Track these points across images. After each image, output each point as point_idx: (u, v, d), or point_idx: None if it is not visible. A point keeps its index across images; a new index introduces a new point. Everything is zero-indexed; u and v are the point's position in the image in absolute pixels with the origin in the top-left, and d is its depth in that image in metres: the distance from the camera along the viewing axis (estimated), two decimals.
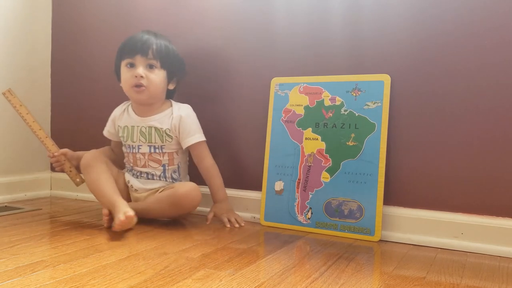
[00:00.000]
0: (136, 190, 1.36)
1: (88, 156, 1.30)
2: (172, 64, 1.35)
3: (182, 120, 1.33)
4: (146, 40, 1.30)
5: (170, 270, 0.89)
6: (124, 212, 1.14)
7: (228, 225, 1.30)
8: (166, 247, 1.07)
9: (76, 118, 1.73)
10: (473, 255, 1.10)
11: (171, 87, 1.38)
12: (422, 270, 0.97)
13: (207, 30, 1.48)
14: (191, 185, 1.28)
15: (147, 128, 1.33)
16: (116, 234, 1.17)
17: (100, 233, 1.18)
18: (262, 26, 1.40)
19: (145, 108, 1.35)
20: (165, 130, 1.33)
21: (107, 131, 1.45)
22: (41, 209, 1.48)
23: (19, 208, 1.48)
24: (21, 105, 1.28)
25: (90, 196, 1.43)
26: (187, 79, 1.46)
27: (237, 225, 1.30)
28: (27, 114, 1.29)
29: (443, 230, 1.17)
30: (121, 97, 1.44)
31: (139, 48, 1.29)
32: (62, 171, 1.41)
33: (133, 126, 1.35)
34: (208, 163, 1.36)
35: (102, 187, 1.25)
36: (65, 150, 1.40)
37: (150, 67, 1.30)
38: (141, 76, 1.28)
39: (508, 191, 1.12)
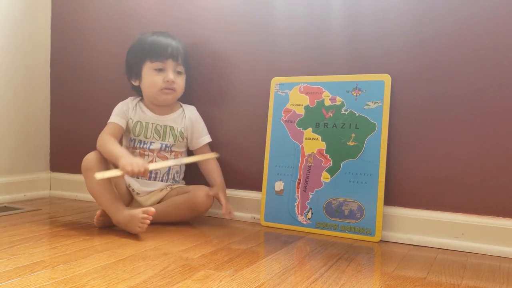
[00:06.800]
0: (138, 193, 1.35)
1: (90, 159, 1.25)
2: (189, 68, 1.43)
3: (194, 122, 1.39)
4: (175, 46, 1.35)
5: (169, 271, 0.89)
6: (143, 210, 1.15)
7: (224, 212, 1.29)
8: (166, 247, 1.07)
9: (76, 118, 1.72)
10: (473, 256, 1.10)
11: None
12: (423, 270, 0.97)
13: (207, 31, 1.48)
14: (207, 190, 1.31)
15: (163, 127, 1.36)
16: (115, 234, 1.17)
17: (99, 233, 1.18)
18: (262, 26, 1.40)
19: (161, 108, 1.38)
20: (180, 130, 1.37)
21: (117, 118, 1.36)
22: (40, 209, 1.48)
23: (19, 209, 1.47)
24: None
25: (89, 196, 1.42)
26: (187, 79, 1.46)
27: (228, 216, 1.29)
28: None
29: (443, 231, 1.16)
30: (121, 97, 1.44)
31: (169, 54, 1.33)
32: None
33: (148, 123, 1.37)
34: (214, 160, 1.39)
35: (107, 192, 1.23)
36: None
37: (179, 73, 1.37)
38: (173, 81, 1.33)
39: (508, 191, 1.12)
